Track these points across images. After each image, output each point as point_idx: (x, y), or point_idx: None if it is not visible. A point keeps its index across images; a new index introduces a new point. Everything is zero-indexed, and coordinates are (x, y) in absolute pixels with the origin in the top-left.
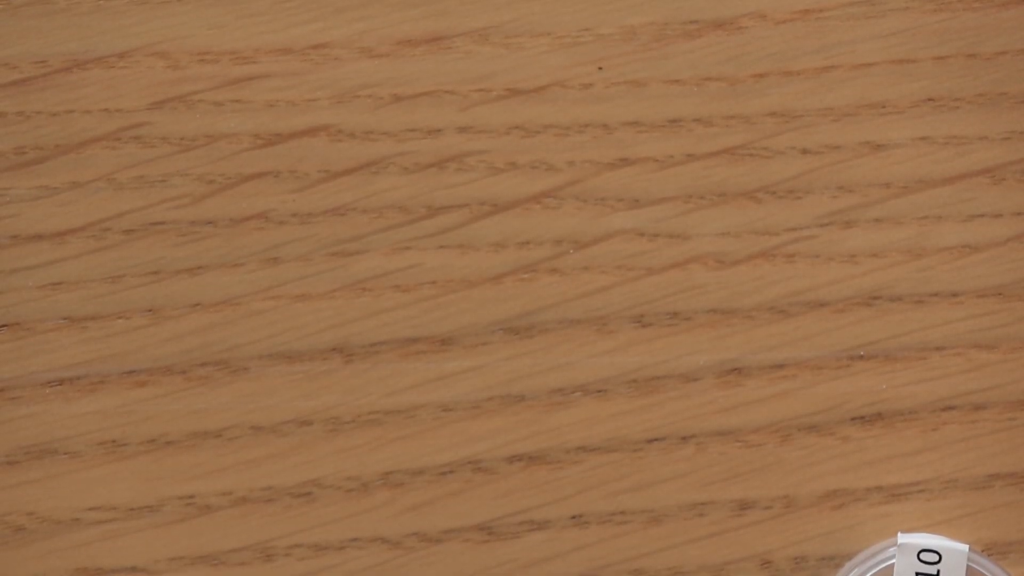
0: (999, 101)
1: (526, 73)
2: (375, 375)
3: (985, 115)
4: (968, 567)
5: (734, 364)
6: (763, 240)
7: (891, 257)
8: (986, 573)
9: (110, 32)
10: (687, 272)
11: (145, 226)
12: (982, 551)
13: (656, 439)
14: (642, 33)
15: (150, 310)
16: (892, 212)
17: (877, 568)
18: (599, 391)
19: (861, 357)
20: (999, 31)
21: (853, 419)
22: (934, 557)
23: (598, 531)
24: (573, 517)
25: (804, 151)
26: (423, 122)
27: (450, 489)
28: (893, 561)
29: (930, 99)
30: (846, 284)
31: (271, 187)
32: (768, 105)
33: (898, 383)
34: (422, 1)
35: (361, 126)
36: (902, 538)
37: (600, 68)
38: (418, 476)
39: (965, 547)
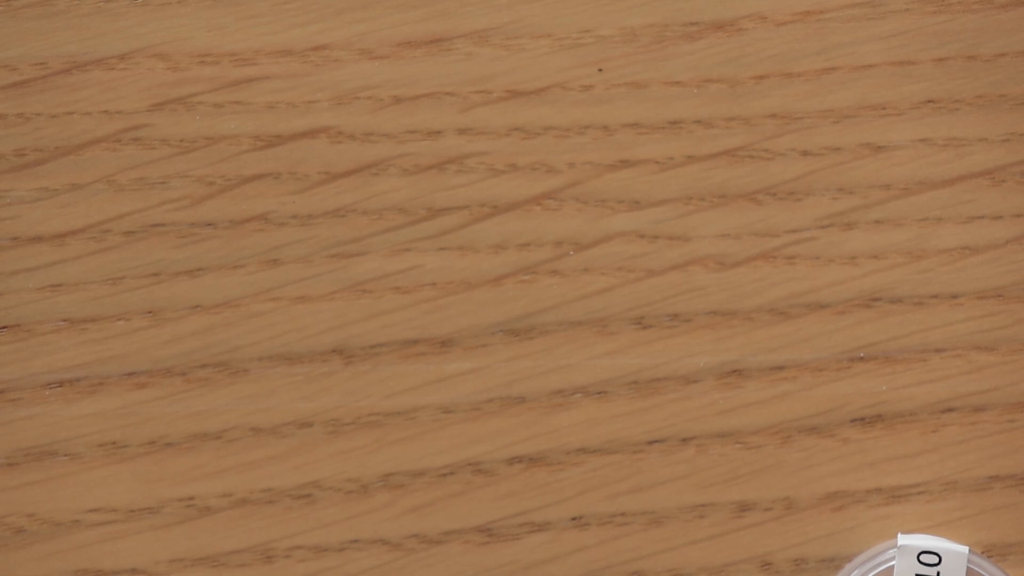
0: (999, 103)
1: (526, 75)
2: (375, 377)
3: (985, 117)
4: (968, 569)
5: (734, 366)
6: (763, 242)
7: (891, 259)
8: (985, 575)
9: (110, 34)
10: (687, 274)
11: (145, 228)
12: (982, 553)
13: (656, 441)
14: (642, 35)
15: (150, 312)
16: (892, 214)
17: (877, 570)
18: (599, 393)
19: (861, 359)
20: (999, 33)
21: (853, 421)
22: (934, 559)
23: (598, 533)
24: (573, 519)
25: (804, 153)
26: (423, 124)
27: (450, 491)
28: (893, 563)
29: (930, 101)
30: (846, 286)
31: (271, 189)
32: (768, 107)
33: (898, 385)
34: (423, 3)
35: (361, 128)
36: (902, 539)
37: (600, 70)
38: (418, 478)
39: (965, 549)
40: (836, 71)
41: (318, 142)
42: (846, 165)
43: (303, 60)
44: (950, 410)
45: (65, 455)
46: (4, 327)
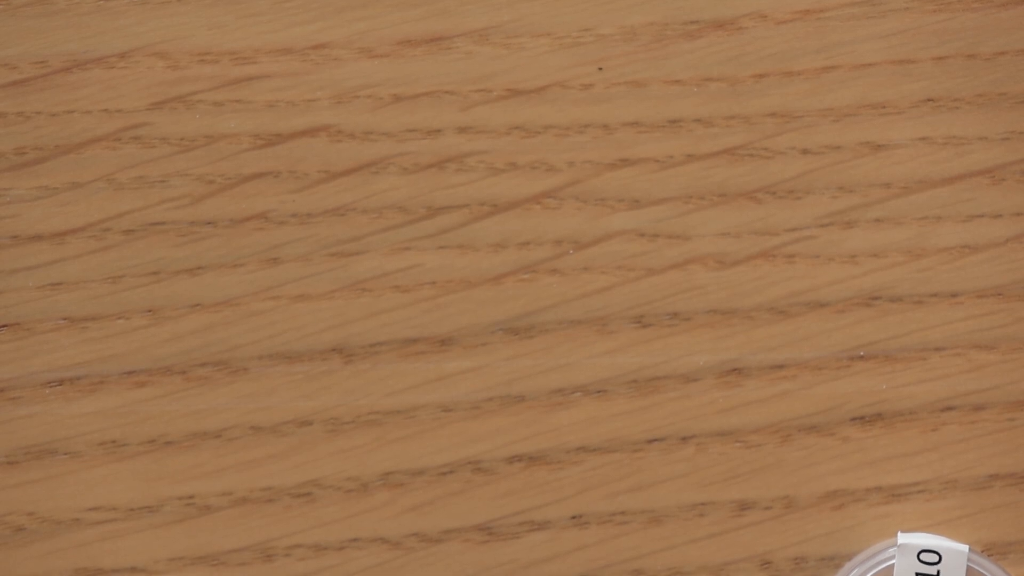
0: (999, 101)
1: (526, 73)
2: (375, 375)
3: (985, 115)
4: (968, 567)
5: (734, 364)
6: (763, 240)
7: (891, 257)
8: (986, 573)
9: (110, 32)
10: (687, 272)
11: (145, 226)
12: (982, 551)
13: (656, 439)
14: (642, 33)
15: (150, 310)
16: (892, 212)
17: (877, 568)
18: (599, 391)
19: (861, 357)
20: (999, 31)
21: (853, 419)
22: (934, 557)
23: (598, 531)
24: (573, 517)
25: (804, 151)
26: (423, 122)
27: (450, 489)
28: (893, 561)
29: (930, 99)
30: (846, 284)
31: (271, 187)
32: (768, 105)
33: (898, 383)
34: (422, 1)
35: (361, 126)
36: (902, 538)
37: (600, 68)
38: (418, 476)
39: (965, 547)
40: (836, 70)
41: (318, 141)
42: (846, 164)
43: (303, 59)
44: (950, 409)
45: (65, 454)
46: (4, 325)
